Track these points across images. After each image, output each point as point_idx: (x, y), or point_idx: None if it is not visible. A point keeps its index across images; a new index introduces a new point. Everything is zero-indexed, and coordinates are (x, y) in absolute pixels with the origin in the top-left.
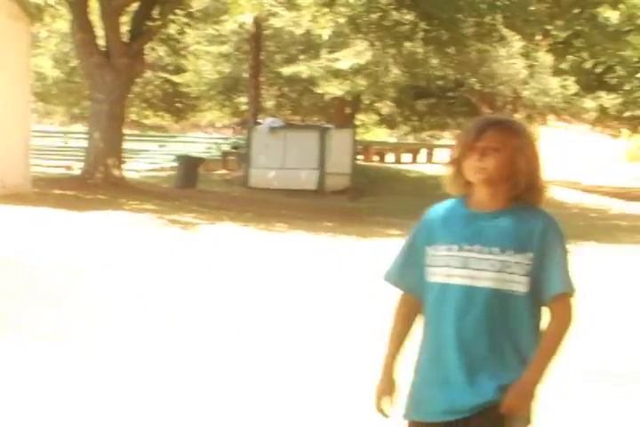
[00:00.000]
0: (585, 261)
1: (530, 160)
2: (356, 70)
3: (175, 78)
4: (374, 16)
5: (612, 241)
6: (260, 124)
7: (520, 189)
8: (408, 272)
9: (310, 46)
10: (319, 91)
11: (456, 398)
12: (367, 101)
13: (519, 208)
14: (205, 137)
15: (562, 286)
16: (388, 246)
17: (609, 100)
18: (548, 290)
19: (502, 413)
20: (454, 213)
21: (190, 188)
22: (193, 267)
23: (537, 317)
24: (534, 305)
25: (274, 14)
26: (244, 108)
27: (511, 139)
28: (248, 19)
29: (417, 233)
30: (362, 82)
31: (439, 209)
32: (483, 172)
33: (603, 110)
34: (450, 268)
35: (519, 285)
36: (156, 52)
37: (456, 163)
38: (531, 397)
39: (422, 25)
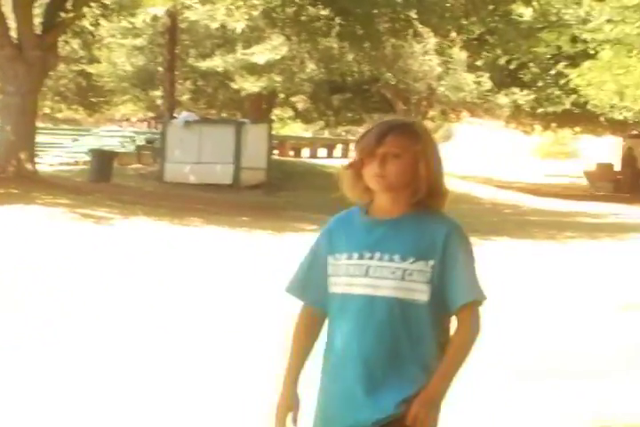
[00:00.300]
0: (498, 256)
1: (432, 165)
2: (272, 65)
3: (89, 71)
4: (290, 10)
5: (525, 236)
6: (175, 118)
7: (422, 194)
8: (311, 283)
9: (226, 40)
10: (235, 87)
11: (357, 414)
12: (283, 96)
13: (421, 214)
14: (120, 131)
15: (468, 296)
16: (303, 241)
17: (522, 96)
18: (453, 299)
19: (407, 426)
20: (355, 220)
21: (104, 182)
22: (110, 262)
23: (440, 326)
24: (438, 314)
25: (188, 7)
26: (159, 101)
27: (413, 144)
28: (159, 11)
29: (319, 243)
30: (278, 77)
31: (341, 217)
32: (384, 179)
33: (516, 107)
34: (350, 277)
35: (421, 293)
36: (69, 44)
37: (355, 168)
38: (436, 408)
39: (338, 20)
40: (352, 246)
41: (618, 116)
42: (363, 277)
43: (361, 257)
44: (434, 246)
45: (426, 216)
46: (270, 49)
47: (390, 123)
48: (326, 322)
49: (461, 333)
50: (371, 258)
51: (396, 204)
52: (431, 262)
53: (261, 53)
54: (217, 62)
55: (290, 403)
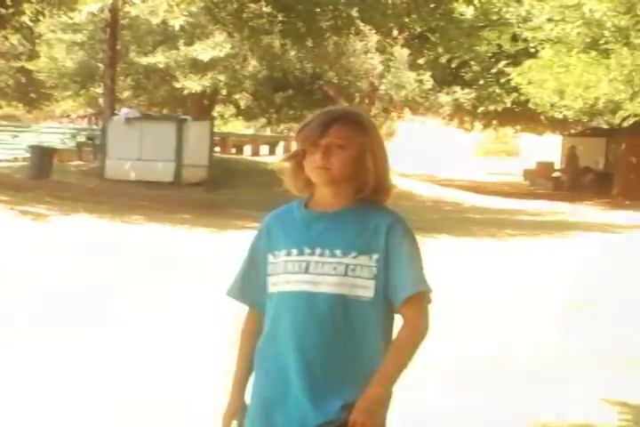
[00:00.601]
0: (439, 254)
1: (377, 157)
2: (215, 62)
3: (29, 67)
4: (231, 7)
5: (466, 234)
6: (115, 114)
7: (366, 188)
8: (251, 285)
9: (167, 37)
10: (177, 85)
11: (298, 419)
12: (225, 93)
13: (363, 207)
14: (60, 127)
15: (413, 288)
16: (245, 238)
17: (463, 94)
18: (398, 293)
19: None
20: (294, 215)
21: (44, 179)
22: (48, 259)
23: (386, 324)
24: (383, 312)
25: (128, 2)
26: (99, 98)
27: (358, 135)
28: (94, 9)
29: (257, 241)
30: (220, 74)
31: (279, 213)
32: (327, 172)
33: (457, 105)
34: (289, 274)
35: (365, 289)
36: (8, 40)
37: (297, 159)
38: (378, 413)
39: (280, 17)
40: (291, 242)
41: (558, 114)
42: (303, 274)
43: (300, 253)
44: (377, 240)
45: (367, 210)
46: (213, 46)
47: (335, 112)
48: (264, 326)
49: (406, 331)
50: (311, 254)
51: (337, 197)
52: (375, 256)
53: (204, 50)
54: (159, 59)
55: (234, 410)
